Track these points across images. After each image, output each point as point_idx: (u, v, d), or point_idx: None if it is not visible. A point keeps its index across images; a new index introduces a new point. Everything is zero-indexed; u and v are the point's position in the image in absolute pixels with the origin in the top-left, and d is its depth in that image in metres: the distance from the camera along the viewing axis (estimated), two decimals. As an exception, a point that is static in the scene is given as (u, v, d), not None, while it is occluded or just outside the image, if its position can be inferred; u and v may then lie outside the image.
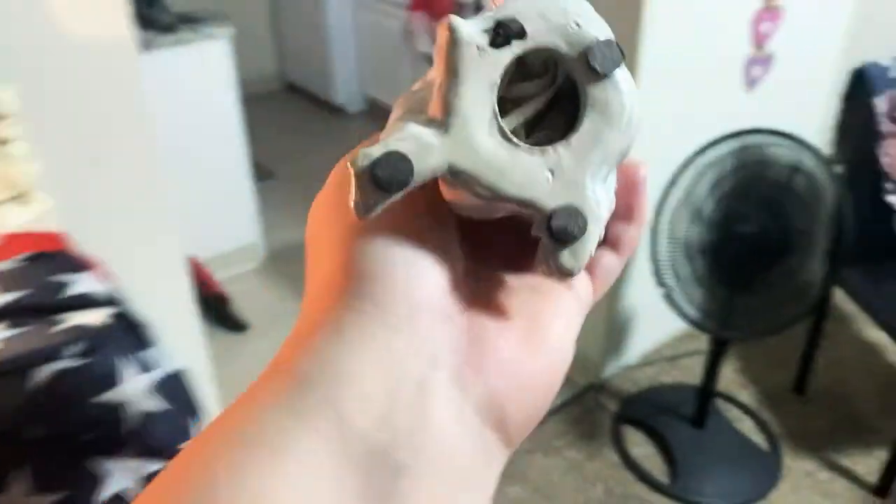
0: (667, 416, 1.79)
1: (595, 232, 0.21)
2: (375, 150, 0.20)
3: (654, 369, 1.99)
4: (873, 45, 1.81)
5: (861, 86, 1.54)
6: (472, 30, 0.21)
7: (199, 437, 0.20)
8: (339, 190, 0.24)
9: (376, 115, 3.90)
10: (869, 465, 1.69)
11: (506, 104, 0.22)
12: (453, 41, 0.20)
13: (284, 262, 2.51)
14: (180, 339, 1.10)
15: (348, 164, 0.21)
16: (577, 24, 0.21)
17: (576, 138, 0.21)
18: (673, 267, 1.51)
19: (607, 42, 0.21)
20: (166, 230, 1.10)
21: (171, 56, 2.05)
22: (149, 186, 1.06)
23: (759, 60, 1.75)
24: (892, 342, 1.57)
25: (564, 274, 0.21)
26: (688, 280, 1.51)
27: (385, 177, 0.20)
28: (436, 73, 0.21)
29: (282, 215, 2.83)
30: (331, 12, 3.65)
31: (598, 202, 0.21)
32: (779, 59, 1.77)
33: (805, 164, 1.34)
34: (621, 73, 0.21)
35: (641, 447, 1.75)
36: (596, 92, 0.21)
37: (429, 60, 3.07)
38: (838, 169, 1.63)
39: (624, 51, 0.21)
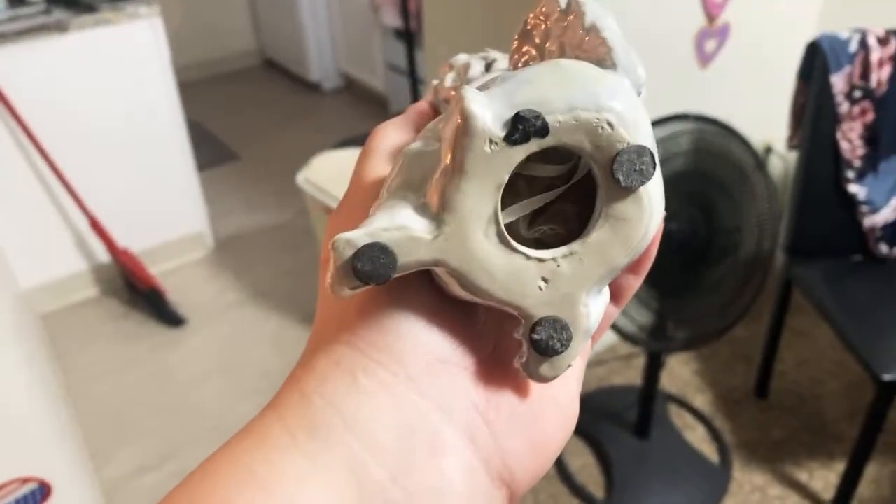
0: (609, 424, 1.66)
1: (578, 346, 0.21)
2: (359, 239, 0.19)
3: (605, 369, 1.86)
4: (846, 13, 1.62)
5: (817, 62, 1.36)
6: (488, 118, 0.19)
7: (208, 469, 0.19)
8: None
9: (353, 92, 3.75)
10: (827, 479, 1.55)
11: (517, 181, 0.21)
12: (466, 131, 0.19)
13: (233, 252, 2.41)
14: None
15: (330, 244, 0.20)
16: (610, 125, 0.19)
17: (581, 248, 0.20)
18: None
19: (639, 150, 0.19)
20: None
21: (93, 38, 1.93)
22: None
23: (712, 33, 1.57)
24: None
25: (538, 380, 0.21)
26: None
27: (366, 270, 0.19)
28: (442, 153, 0.20)
29: (238, 200, 2.72)
30: (300, -15, 3.49)
31: (589, 316, 0.21)
32: (735, 31, 1.58)
33: (735, 153, 1.19)
34: (650, 187, 0.20)
35: (579, 457, 1.63)
36: (616, 203, 0.20)
37: (395, 34, 2.92)
38: (794, 155, 1.46)
39: (657, 159, 0.19)
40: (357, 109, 3.57)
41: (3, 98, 1.81)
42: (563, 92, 0.19)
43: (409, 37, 1.74)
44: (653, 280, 1.32)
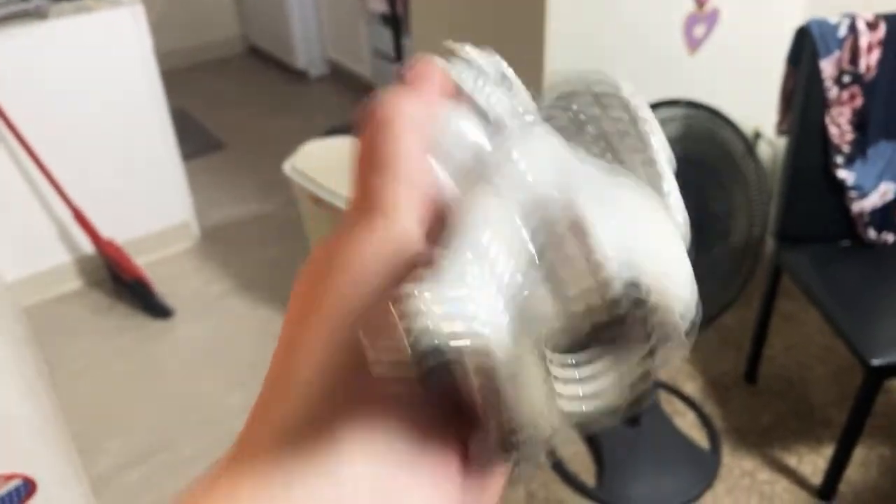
0: (600, 411, 1.66)
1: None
2: (450, 334, 0.15)
3: (595, 357, 1.86)
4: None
5: (806, 46, 1.35)
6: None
7: None
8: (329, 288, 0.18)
9: (339, 79, 3.71)
10: (816, 464, 1.56)
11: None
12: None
13: (220, 242, 2.38)
14: None
15: (397, 308, 0.15)
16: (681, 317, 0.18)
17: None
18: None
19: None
20: None
21: (73, 25, 1.89)
22: None
23: (701, 18, 1.55)
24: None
25: (504, 483, 0.21)
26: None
27: (437, 381, 0.15)
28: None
29: (224, 190, 2.69)
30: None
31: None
32: (724, 16, 1.57)
33: (724, 139, 1.18)
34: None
35: (570, 445, 1.63)
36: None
37: (381, 20, 2.88)
38: (782, 141, 1.46)
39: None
40: (344, 97, 3.53)
41: (-20, 87, 1.77)
42: (658, 265, 0.17)
43: (395, 22, 1.71)
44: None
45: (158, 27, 2.25)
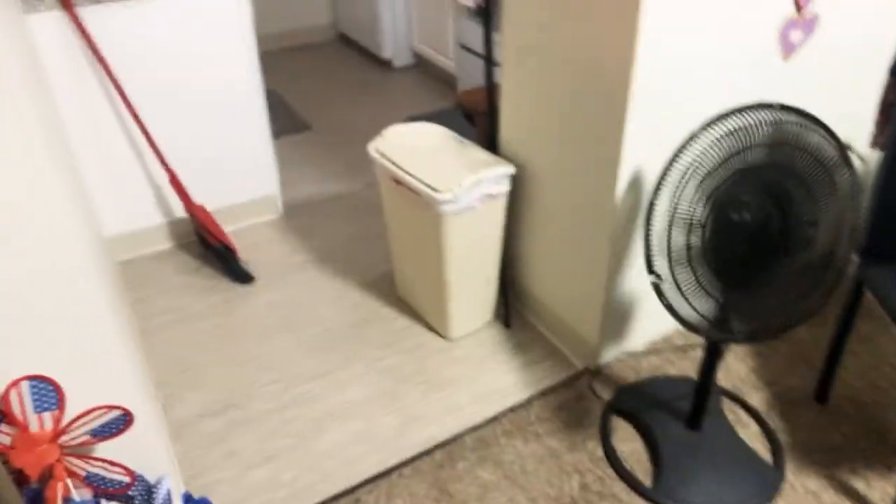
0: (662, 412, 1.66)
1: None
2: None
3: (660, 359, 1.85)
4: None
5: (912, 57, 1.31)
6: None
7: None
8: None
9: (422, 70, 3.79)
10: (885, 490, 1.51)
11: None
12: None
13: (302, 216, 2.48)
14: (81, 320, 1.07)
15: None
16: None
17: None
18: (668, 253, 1.36)
19: None
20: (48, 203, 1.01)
21: (183, 3, 2.01)
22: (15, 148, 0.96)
23: (799, 24, 1.52)
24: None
25: None
26: (682, 271, 1.36)
27: None
28: None
29: (308, 168, 2.80)
30: (379, -39, 3.53)
31: None
32: (823, 23, 1.54)
33: (816, 145, 1.16)
34: None
35: (629, 443, 1.63)
36: None
37: (468, 13, 2.93)
38: (877, 154, 1.41)
39: None
40: (426, 86, 3.60)
41: (98, 55, 1.91)
42: None
43: (487, 17, 1.75)
44: (718, 269, 1.31)
45: (257, 11, 2.36)
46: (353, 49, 4.12)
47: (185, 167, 2.20)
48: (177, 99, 2.13)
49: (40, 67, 1.83)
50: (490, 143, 1.88)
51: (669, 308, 1.36)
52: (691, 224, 1.36)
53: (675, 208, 1.36)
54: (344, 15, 4.15)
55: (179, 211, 2.28)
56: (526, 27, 1.61)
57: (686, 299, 1.36)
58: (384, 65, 3.85)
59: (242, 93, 2.23)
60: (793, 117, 1.24)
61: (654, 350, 1.87)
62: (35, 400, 0.99)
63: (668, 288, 1.37)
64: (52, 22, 1.86)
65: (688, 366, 1.82)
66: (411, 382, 1.79)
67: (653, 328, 1.87)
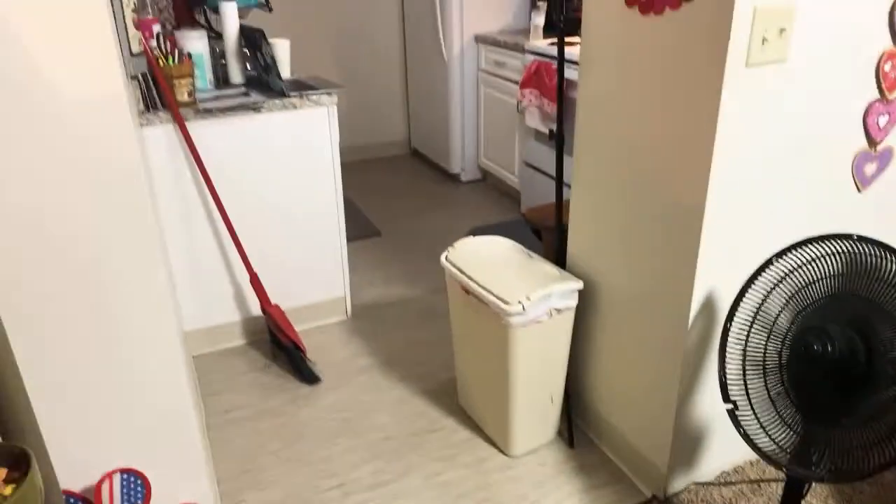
0: (736, 551, 1.55)
1: None
2: None
3: (732, 492, 1.75)
4: None
5: None
6: None
7: None
8: None
9: (488, 184, 3.95)
10: None
11: None
12: None
13: (369, 319, 2.55)
14: (170, 415, 1.13)
15: None
16: None
17: None
18: (743, 381, 1.34)
19: None
20: (159, 305, 1.10)
21: (280, 119, 2.21)
22: (142, 260, 1.05)
23: (874, 157, 1.55)
24: None
25: None
26: (760, 400, 1.33)
27: None
28: None
29: (377, 273, 2.90)
30: (454, 88, 3.79)
31: None
32: (899, 157, 1.56)
33: (892, 274, 1.15)
34: None
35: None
36: None
37: (535, 135, 3.07)
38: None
39: None
40: (491, 200, 3.74)
41: (199, 161, 2.09)
42: None
43: (560, 139, 1.85)
44: (799, 401, 1.27)
45: (339, 125, 2.55)
46: (424, 163, 4.35)
47: (265, 268, 2.32)
48: (265, 204, 2.29)
49: (150, 171, 2.01)
50: (558, 258, 1.93)
51: (746, 438, 1.32)
52: (767, 354, 1.34)
53: (750, 337, 1.35)
54: (417, 132, 4.42)
55: (255, 309, 2.38)
56: (598, 153, 1.69)
57: (765, 429, 1.32)
58: (453, 178, 4.03)
59: (325, 200, 2.37)
60: (871, 248, 1.24)
61: (725, 481, 1.78)
62: (124, 492, 1.03)
63: (745, 416, 1.33)
64: (163, 133, 2.06)
65: (763, 501, 1.72)
66: (470, 500, 1.75)
67: (725, 457, 1.79)
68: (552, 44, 3.07)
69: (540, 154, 3.23)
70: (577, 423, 1.98)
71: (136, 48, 2.05)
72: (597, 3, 1.58)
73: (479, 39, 3.68)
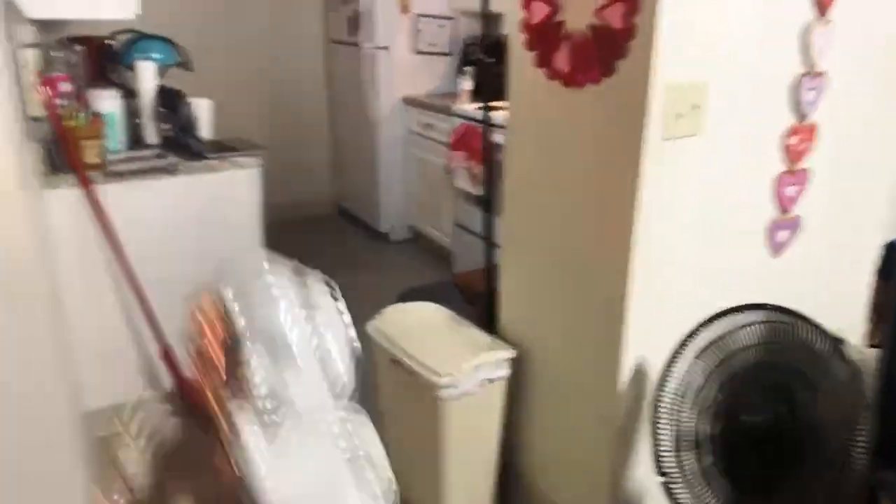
0: None
1: None
2: None
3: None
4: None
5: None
6: None
7: None
8: None
9: (418, 243, 3.92)
10: None
11: None
12: None
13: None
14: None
15: None
16: None
17: None
18: (676, 456, 1.32)
19: None
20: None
21: (197, 181, 2.11)
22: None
23: (785, 224, 1.61)
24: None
25: None
26: (693, 474, 1.31)
27: None
28: None
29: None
30: (382, 148, 3.79)
31: None
32: (808, 224, 1.62)
33: (819, 348, 1.17)
34: None
35: None
36: None
37: (464, 196, 3.09)
38: (873, 352, 1.43)
39: None
40: (421, 259, 3.70)
41: (106, 227, 1.96)
42: None
43: (488, 202, 1.84)
44: (732, 476, 1.26)
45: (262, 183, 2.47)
46: (351, 222, 4.29)
47: (177, 338, 2.17)
48: (180, 270, 2.16)
49: (51, 237, 1.87)
50: (488, 322, 1.89)
51: (681, 512, 1.29)
52: (697, 425, 1.33)
53: (680, 409, 1.34)
54: (344, 190, 4.37)
55: (167, 382, 2.22)
56: (526, 219, 1.68)
57: (697, 502, 1.30)
58: (382, 237, 3.98)
59: (244, 266, 2.27)
60: (783, 316, 1.27)
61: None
62: None
63: (678, 490, 1.31)
64: (69, 196, 1.93)
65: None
66: (401, 585, 1.64)
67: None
68: (479, 108, 3.13)
69: (471, 215, 3.24)
70: (513, 497, 1.91)
71: (37, 112, 1.92)
72: (521, 74, 1.60)
73: (408, 101, 3.72)
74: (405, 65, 3.71)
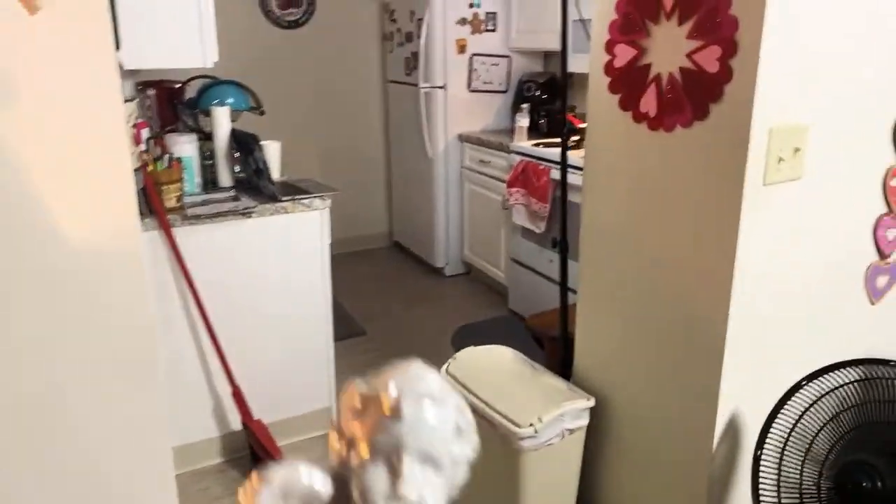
0: None
1: None
2: None
3: None
4: None
5: None
6: None
7: None
8: None
9: (472, 278, 3.90)
10: None
11: None
12: None
13: (354, 433, 2.39)
14: None
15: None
16: None
17: None
18: (779, 514, 1.25)
19: None
20: (154, 420, 1.02)
21: (271, 224, 2.14)
22: (139, 375, 0.99)
23: (885, 269, 1.53)
24: None
25: None
26: (799, 533, 1.23)
27: None
28: None
29: (363, 376, 2.77)
30: (438, 184, 3.80)
31: None
32: (910, 269, 1.55)
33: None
34: None
35: None
36: None
37: (521, 232, 3.05)
38: None
39: None
40: (476, 294, 3.68)
41: (184, 269, 2.00)
42: None
43: (563, 245, 1.81)
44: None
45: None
46: (406, 256, 4.30)
47: (247, 380, 2.18)
48: (250, 312, 2.18)
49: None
50: (563, 369, 1.84)
51: (790, 580, 1.21)
52: (803, 481, 1.25)
53: (783, 464, 1.27)
54: (399, 225, 4.39)
55: (235, 424, 2.22)
56: (608, 261, 1.64)
57: (808, 570, 1.21)
58: (436, 272, 3.98)
59: (313, 308, 2.28)
60: (885, 370, 1.19)
61: None
62: None
63: (786, 555, 1.23)
64: (148, 239, 1.97)
65: None
66: None
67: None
68: (536, 144, 3.12)
69: (528, 251, 3.21)
70: (588, 549, 1.84)
71: (136, 163, 1.98)
72: (601, 117, 1.58)
73: (463, 139, 3.74)
74: (461, 103, 3.74)
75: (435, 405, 0.32)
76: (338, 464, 0.35)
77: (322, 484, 0.39)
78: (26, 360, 0.84)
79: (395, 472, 0.29)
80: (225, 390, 2.18)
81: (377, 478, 0.30)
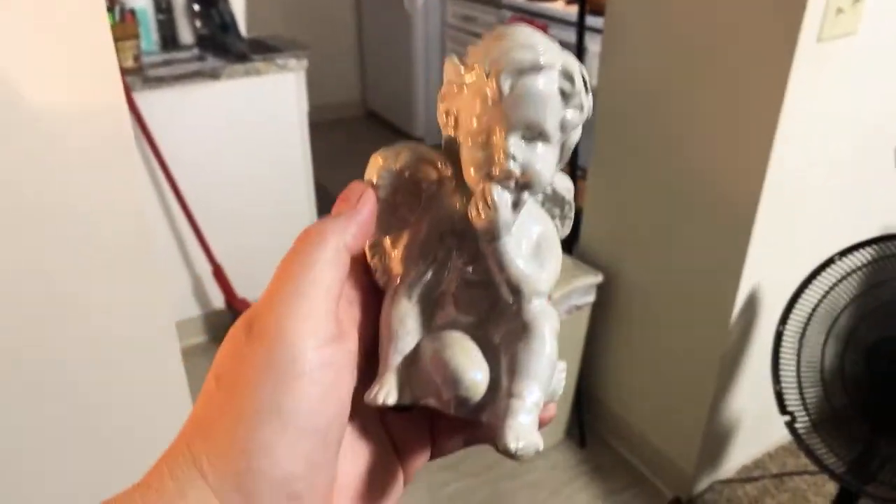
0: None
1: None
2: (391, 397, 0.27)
3: (756, 487, 1.67)
4: None
5: None
6: None
7: None
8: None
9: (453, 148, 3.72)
10: None
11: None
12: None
13: (342, 309, 2.33)
14: (166, 410, 0.97)
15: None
16: None
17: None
18: (800, 391, 1.22)
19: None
20: (154, 297, 0.94)
21: (242, 86, 1.92)
22: (135, 252, 0.89)
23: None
24: None
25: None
26: (820, 410, 1.21)
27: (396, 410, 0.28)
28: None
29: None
30: (417, 45, 3.51)
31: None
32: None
33: None
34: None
35: None
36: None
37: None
38: None
39: None
40: (460, 168, 3.53)
41: (149, 139, 1.80)
42: None
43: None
44: (866, 410, 1.16)
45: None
46: (383, 126, 4.07)
47: (229, 258, 2.05)
48: (225, 186, 2.01)
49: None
50: (568, 242, 1.76)
51: (808, 452, 1.21)
52: (825, 358, 1.22)
53: (805, 341, 1.22)
54: (374, 92, 4.11)
55: (219, 303, 2.12)
56: (627, 135, 1.51)
57: (825, 442, 1.21)
58: (416, 142, 3.79)
59: (292, 181, 2.12)
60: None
61: (748, 477, 1.70)
62: None
63: (804, 428, 1.21)
64: (105, 106, 1.75)
65: (788, 498, 1.64)
66: (484, 513, 1.60)
67: (745, 451, 1.70)
68: (530, -1, 2.84)
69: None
70: (587, 421, 1.85)
71: None
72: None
73: (445, -8, 3.41)
74: (441, -50, 3.37)
75: (540, 74, 0.23)
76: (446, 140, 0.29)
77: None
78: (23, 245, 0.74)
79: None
80: (205, 269, 2.05)
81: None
